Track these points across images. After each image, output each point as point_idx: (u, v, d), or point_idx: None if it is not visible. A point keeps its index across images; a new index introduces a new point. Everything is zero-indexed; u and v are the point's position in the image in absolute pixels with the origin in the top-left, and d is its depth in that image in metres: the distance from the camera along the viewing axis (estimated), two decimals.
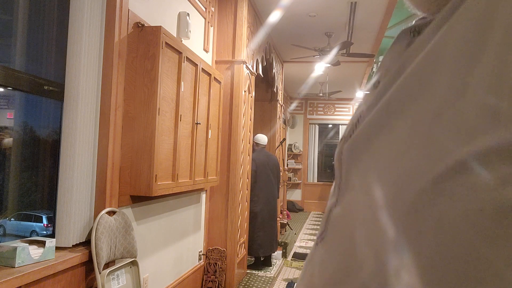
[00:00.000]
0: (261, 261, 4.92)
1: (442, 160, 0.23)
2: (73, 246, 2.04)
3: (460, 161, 0.22)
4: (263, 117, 6.58)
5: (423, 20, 0.33)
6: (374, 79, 0.35)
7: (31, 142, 2.13)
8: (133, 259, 2.32)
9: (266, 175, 4.86)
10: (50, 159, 2.18)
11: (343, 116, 10.67)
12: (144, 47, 2.45)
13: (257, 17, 4.62)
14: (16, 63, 1.98)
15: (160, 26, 2.47)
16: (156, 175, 2.42)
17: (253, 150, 4.80)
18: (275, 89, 6.22)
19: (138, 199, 2.53)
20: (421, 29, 0.32)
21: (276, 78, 6.06)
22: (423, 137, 0.25)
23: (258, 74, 4.76)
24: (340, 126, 10.73)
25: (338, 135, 10.76)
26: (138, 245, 2.38)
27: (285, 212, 7.20)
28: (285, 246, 5.46)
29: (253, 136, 4.91)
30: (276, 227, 5.11)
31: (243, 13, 3.98)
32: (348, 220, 0.32)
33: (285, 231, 6.99)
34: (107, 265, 2.17)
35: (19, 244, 1.73)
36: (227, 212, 3.95)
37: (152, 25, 2.58)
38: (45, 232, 2.22)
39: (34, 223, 2.19)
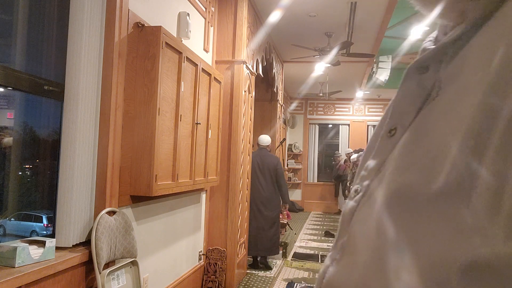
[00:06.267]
0: (257, 261, 4.89)
1: None
2: (73, 246, 2.04)
3: None
4: (263, 117, 6.57)
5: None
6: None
7: (31, 142, 2.13)
8: (133, 259, 2.32)
9: (255, 176, 4.80)
10: (50, 159, 2.18)
11: (343, 116, 10.67)
12: (144, 47, 2.45)
13: (257, 17, 4.61)
14: (16, 63, 1.98)
15: (160, 26, 2.47)
16: (156, 175, 2.42)
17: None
18: (275, 89, 6.22)
19: (138, 199, 2.53)
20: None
21: (276, 78, 6.06)
22: None
23: (258, 74, 4.75)
24: (340, 126, 10.72)
25: (338, 135, 10.75)
26: (138, 245, 2.38)
27: (285, 212, 7.19)
28: (285, 246, 5.45)
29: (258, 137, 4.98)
30: (265, 229, 4.85)
31: (243, 13, 3.98)
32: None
33: (285, 231, 6.98)
34: (107, 265, 2.16)
35: (19, 244, 1.73)
36: (227, 212, 3.95)
37: (152, 25, 2.57)
38: (45, 232, 2.22)
39: (34, 223, 2.19)
